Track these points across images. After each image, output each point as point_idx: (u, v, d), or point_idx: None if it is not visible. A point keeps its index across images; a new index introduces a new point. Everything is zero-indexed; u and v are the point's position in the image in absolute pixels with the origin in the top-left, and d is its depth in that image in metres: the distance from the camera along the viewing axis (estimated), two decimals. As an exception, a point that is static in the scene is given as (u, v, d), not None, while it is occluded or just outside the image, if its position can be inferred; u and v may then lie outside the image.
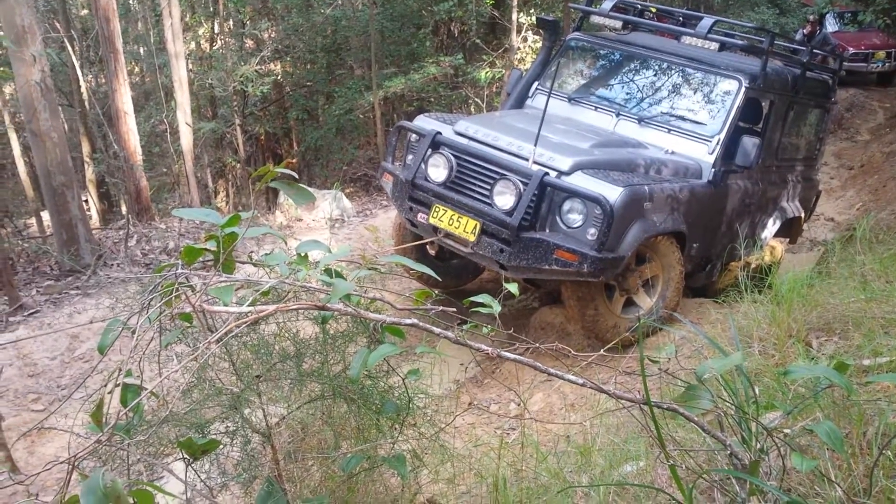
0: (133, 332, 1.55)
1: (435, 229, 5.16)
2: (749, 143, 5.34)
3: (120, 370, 1.40)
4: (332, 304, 1.40)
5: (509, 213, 4.80)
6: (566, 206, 4.82)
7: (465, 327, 1.63)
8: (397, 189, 5.44)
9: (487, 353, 1.50)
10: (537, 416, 4.42)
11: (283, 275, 1.45)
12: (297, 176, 1.39)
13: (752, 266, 5.42)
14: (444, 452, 2.03)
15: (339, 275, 1.51)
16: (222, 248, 1.37)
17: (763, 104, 6.02)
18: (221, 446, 1.95)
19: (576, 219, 4.78)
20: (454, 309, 1.65)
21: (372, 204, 9.89)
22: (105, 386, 1.38)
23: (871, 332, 2.75)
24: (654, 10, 7.07)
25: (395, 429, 1.85)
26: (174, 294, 1.36)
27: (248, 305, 1.38)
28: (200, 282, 1.42)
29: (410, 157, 5.63)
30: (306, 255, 1.57)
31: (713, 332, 3.75)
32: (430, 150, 5.24)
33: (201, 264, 1.48)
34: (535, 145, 4.85)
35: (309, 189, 1.41)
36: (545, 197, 4.84)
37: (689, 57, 5.85)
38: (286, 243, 1.70)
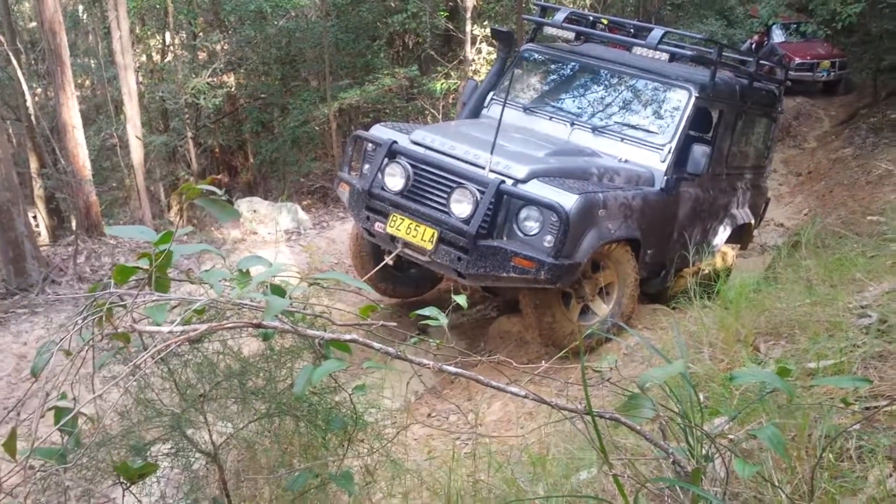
0: (68, 354, 1.50)
1: (392, 238, 5.13)
2: (699, 151, 5.44)
3: (48, 395, 1.36)
4: (267, 321, 1.38)
5: (466, 221, 4.80)
6: (523, 213, 4.84)
7: (409, 342, 1.61)
8: (354, 198, 5.41)
9: (429, 367, 1.48)
10: (496, 425, 4.41)
11: (218, 292, 1.42)
12: (219, 192, 1.36)
13: (705, 272, 5.51)
14: (395, 467, 2.01)
15: (279, 290, 1.49)
16: (155, 265, 1.34)
17: (712, 113, 6.15)
18: (167, 468, 1.90)
19: (532, 226, 4.81)
20: (395, 323, 1.63)
21: (329, 216, 9.81)
22: (17, 415, 1.33)
23: (815, 335, 2.81)
24: (605, 21, 7.17)
25: (343, 445, 1.82)
26: (104, 314, 1.32)
27: (182, 324, 1.34)
28: (131, 300, 1.38)
29: (367, 166, 5.60)
30: (248, 272, 1.54)
31: (666, 338, 3.79)
32: (386, 159, 5.22)
33: (137, 283, 1.44)
34: (492, 154, 4.87)
35: (233, 206, 1.39)
36: (502, 205, 4.85)
37: (641, 67, 5.94)
38: (224, 260, 1.67)
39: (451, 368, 1.47)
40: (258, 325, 1.38)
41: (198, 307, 1.39)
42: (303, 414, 1.76)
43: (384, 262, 5.42)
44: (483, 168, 4.91)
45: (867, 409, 2.16)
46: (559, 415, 2.98)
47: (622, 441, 2.23)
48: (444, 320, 1.63)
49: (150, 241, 1.39)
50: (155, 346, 1.25)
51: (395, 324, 1.60)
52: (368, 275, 5.64)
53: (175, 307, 1.47)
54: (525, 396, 1.46)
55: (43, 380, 1.50)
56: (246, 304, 1.44)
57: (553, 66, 6.48)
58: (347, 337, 1.47)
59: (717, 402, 2.22)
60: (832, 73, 15.39)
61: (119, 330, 1.32)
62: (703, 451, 1.49)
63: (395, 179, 5.16)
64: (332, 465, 1.83)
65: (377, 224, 5.19)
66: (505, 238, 4.88)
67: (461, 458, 2.79)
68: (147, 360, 1.26)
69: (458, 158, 5.09)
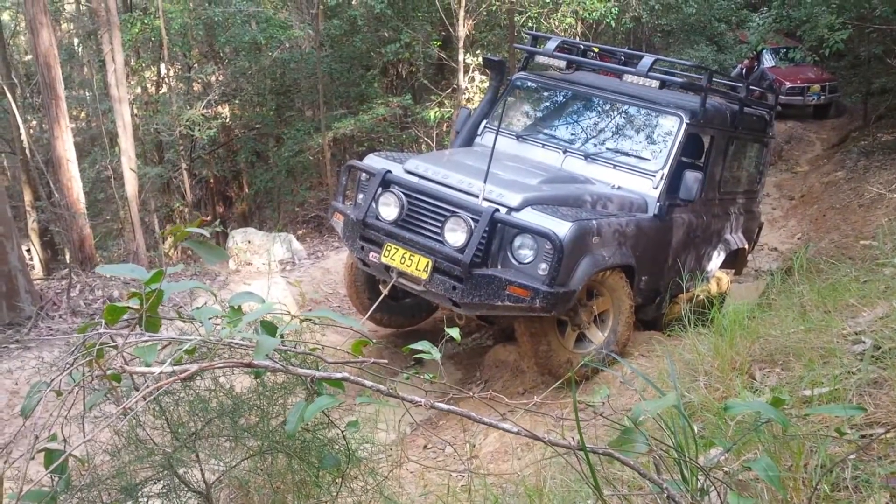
0: (59, 395, 1.49)
1: (387, 268, 5.13)
2: (691, 177, 5.46)
3: (37, 437, 1.34)
4: (257, 360, 1.37)
5: (461, 250, 4.81)
6: (517, 241, 4.85)
7: (400, 377, 1.60)
8: (348, 228, 5.42)
9: (420, 405, 1.47)
10: (494, 456, 4.37)
11: (208, 330, 1.41)
12: (207, 235, 1.36)
13: (700, 298, 5.50)
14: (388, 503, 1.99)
15: (270, 327, 1.48)
16: (145, 305, 1.34)
17: (704, 139, 6.19)
18: (158, 508, 1.88)
19: (527, 254, 4.81)
20: (386, 360, 1.62)
21: (324, 245, 9.81)
22: (4, 458, 1.32)
23: (810, 362, 2.80)
24: (596, 49, 7.25)
25: (337, 482, 1.80)
26: (94, 355, 1.32)
27: (172, 364, 1.34)
28: (121, 342, 1.38)
29: (361, 196, 5.62)
30: (239, 308, 1.54)
31: (662, 366, 3.78)
32: (380, 188, 5.24)
33: (128, 322, 1.44)
34: (485, 182, 4.89)
35: (221, 248, 1.39)
36: (496, 233, 4.86)
37: (632, 95, 5.99)
38: (215, 296, 1.66)
39: (443, 406, 1.46)
40: (248, 365, 1.38)
41: (187, 347, 1.38)
42: (296, 451, 1.75)
43: (382, 296, 5.41)
44: (477, 197, 4.93)
45: (863, 437, 2.15)
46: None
47: (619, 474, 2.22)
48: (437, 354, 1.62)
49: (141, 280, 1.39)
50: (146, 386, 1.24)
51: (385, 361, 1.59)
52: (369, 312, 5.63)
53: (166, 346, 1.47)
54: (517, 433, 1.46)
55: (33, 420, 1.48)
56: (236, 344, 1.43)
57: (545, 94, 6.53)
58: (338, 375, 1.46)
59: (713, 433, 2.21)
60: (823, 97, 15.54)
61: (109, 372, 1.31)
62: (699, 485, 1.48)
63: (389, 209, 5.18)
64: (325, 503, 1.81)
65: (372, 254, 5.19)
66: (499, 266, 4.88)
67: (456, 492, 2.76)
68: (133, 403, 1.25)
69: (451, 187, 5.11)
